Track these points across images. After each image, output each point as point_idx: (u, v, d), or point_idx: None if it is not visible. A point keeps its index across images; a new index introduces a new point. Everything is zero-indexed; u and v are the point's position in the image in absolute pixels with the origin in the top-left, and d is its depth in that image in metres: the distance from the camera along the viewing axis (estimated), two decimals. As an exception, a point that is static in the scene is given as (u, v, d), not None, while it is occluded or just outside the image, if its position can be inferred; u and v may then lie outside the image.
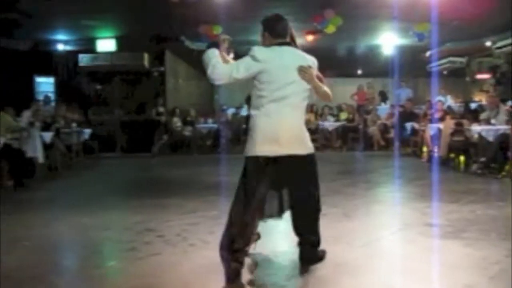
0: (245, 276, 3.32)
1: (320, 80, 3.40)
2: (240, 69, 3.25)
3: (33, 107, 9.79)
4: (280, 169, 3.29)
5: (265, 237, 3.96)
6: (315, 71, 3.36)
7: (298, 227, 3.46)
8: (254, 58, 3.24)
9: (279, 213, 3.66)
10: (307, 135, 3.43)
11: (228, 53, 3.51)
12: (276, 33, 3.37)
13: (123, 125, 13.75)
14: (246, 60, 3.27)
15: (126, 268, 3.75)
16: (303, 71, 3.26)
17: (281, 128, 3.23)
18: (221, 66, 3.25)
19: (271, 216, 3.66)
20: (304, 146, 3.35)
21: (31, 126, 8.74)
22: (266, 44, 3.38)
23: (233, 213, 3.28)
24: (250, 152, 3.29)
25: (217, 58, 3.27)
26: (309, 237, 3.44)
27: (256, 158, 3.25)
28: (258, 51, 3.26)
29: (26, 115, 9.30)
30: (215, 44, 3.38)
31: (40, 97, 12.88)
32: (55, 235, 4.75)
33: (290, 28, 3.43)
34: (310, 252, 3.47)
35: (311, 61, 3.40)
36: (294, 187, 3.41)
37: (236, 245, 3.20)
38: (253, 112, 3.33)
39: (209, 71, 3.24)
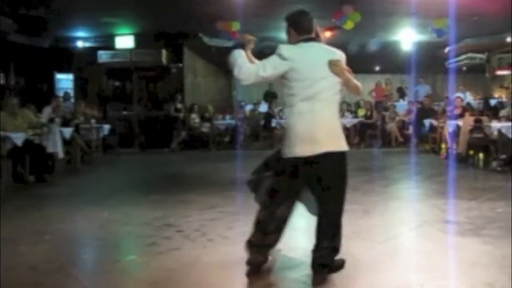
0: (267, 270, 3.39)
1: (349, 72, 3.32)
2: (267, 68, 3.20)
3: (53, 103, 9.94)
4: (316, 167, 3.20)
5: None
6: (343, 65, 3.28)
7: (319, 229, 3.31)
8: (281, 57, 3.19)
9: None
10: (341, 131, 3.33)
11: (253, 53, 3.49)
12: (302, 29, 3.31)
13: (141, 121, 13.87)
14: (273, 58, 3.22)
15: (146, 262, 3.80)
16: (333, 64, 3.18)
17: (316, 126, 3.18)
18: (247, 66, 3.25)
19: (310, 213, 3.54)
20: (339, 143, 3.25)
21: (51, 122, 8.86)
22: (292, 41, 3.34)
23: (270, 209, 3.32)
24: (288, 154, 3.22)
25: (243, 58, 3.28)
26: (328, 241, 3.26)
27: (294, 159, 3.20)
28: (284, 49, 3.21)
29: (47, 111, 9.45)
30: (240, 45, 3.41)
31: (60, 94, 13.05)
32: (75, 230, 4.84)
33: (315, 23, 3.36)
34: (326, 258, 3.25)
35: (339, 54, 3.32)
36: (325, 185, 3.25)
37: (268, 240, 3.28)
38: (286, 111, 3.30)
39: (236, 71, 3.24)
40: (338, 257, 3.36)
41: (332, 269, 3.29)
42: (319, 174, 3.22)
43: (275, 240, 3.39)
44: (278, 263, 3.62)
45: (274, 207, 3.31)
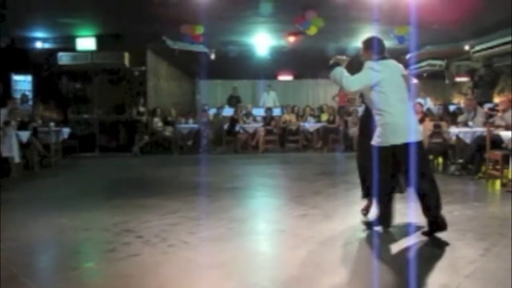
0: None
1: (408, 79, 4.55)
2: (364, 79, 4.31)
3: (9, 106, 9.62)
4: (399, 154, 4.26)
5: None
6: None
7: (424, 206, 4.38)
8: (374, 70, 4.28)
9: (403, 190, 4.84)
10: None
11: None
12: (381, 50, 4.48)
13: (103, 125, 13.62)
14: (367, 71, 4.31)
15: (104, 269, 3.72)
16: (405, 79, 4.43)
17: (403, 122, 4.26)
18: (351, 78, 4.29)
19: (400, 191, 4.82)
20: (416, 134, 4.35)
21: (7, 125, 8.59)
22: (372, 58, 4.40)
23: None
24: (383, 143, 4.30)
25: (346, 73, 4.30)
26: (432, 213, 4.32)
27: (387, 147, 4.28)
28: (374, 64, 4.31)
29: (2, 113, 9.13)
30: (337, 64, 4.41)
31: (18, 95, 12.68)
32: (31, 237, 4.68)
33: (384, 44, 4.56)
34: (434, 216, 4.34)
35: (402, 67, 4.53)
36: (409, 169, 4.22)
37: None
38: (380, 110, 4.33)
39: (344, 82, 4.28)
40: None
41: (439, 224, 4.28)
42: (403, 160, 4.26)
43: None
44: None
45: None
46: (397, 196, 4.73)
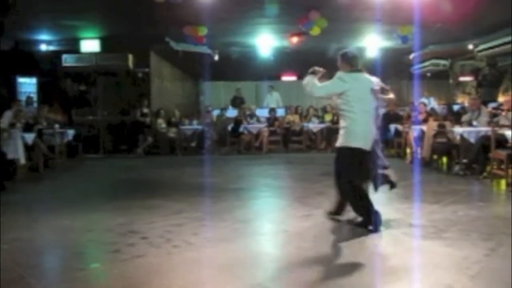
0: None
1: (385, 90, 5.18)
2: (330, 87, 4.79)
3: (14, 108, 9.66)
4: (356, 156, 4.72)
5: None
6: (379, 85, 5.02)
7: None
8: (342, 80, 4.72)
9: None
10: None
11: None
12: (354, 63, 4.86)
13: (107, 126, 13.65)
14: (336, 81, 4.74)
15: (109, 270, 3.73)
16: (373, 93, 4.84)
17: (369, 131, 4.77)
18: (319, 85, 4.78)
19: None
20: (370, 143, 4.82)
21: (12, 127, 8.62)
22: (345, 70, 4.81)
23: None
24: (353, 145, 4.71)
25: (316, 81, 4.79)
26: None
27: (359, 149, 4.70)
28: (343, 75, 4.74)
29: (7, 115, 9.18)
30: (313, 73, 4.86)
31: (23, 98, 12.72)
32: (36, 238, 4.70)
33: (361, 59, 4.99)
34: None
35: (375, 81, 5.00)
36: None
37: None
38: (347, 118, 4.76)
39: (311, 88, 4.76)
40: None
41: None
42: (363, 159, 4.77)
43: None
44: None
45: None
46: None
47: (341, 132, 4.84)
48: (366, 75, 4.92)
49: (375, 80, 5.00)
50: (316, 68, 4.95)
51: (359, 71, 4.86)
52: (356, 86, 4.72)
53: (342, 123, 4.85)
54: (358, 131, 4.70)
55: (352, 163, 4.73)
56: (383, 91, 5.09)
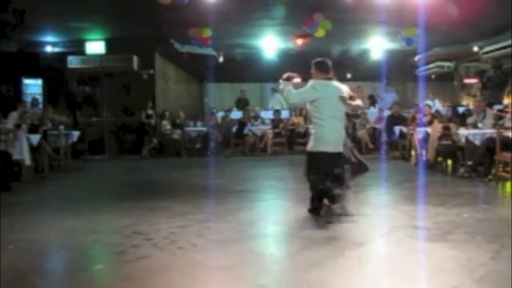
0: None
1: (352, 97, 5.38)
2: (304, 94, 5.25)
3: (20, 109, 9.70)
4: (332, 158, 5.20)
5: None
6: (347, 93, 5.31)
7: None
8: (313, 88, 5.19)
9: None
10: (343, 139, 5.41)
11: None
12: (325, 71, 5.30)
13: (112, 128, 13.68)
14: (308, 89, 5.22)
15: (113, 271, 3.74)
16: (342, 100, 5.21)
17: (336, 135, 5.23)
18: (293, 92, 5.25)
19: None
20: (341, 146, 5.29)
21: (18, 128, 8.66)
22: (317, 77, 5.27)
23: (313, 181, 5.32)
24: (320, 149, 5.21)
25: (291, 87, 5.24)
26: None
27: (325, 152, 5.19)
28: (315, 83, 5.21)
29: (13, 117, 9.22)
30: (288, 79, 5.32)
31: (28, 99, 12.77)
32: (41, 239, 4.72)
33: (332, 67, 5.36)
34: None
35: (345, 89, 5.34)
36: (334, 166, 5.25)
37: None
38: (315, 124, 5.31)
39: (286, 95, 5.27)
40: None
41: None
42: (333, 162, 5.21)
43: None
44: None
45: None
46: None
47: (311, 137, 5.34)
48: (336, 83, 5.32)
49: (344, 88, 5.36)
50: (291, 74, 5.33)
51: (329, 79, 5.26)
52: (326, 94, 5.14)
53: (312, 129, 5.44)
54: (326, 136, 5.16)
55: (320, 164, 5.19)
56: (351, 98, 5.40)
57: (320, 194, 5.33)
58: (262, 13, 10.33)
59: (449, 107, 14.48)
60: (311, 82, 5.20)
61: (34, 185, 8.23)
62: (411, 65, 16.75)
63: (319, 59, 5.38)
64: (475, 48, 14.22)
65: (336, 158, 5.21)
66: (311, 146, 5.28)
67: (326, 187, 5.22)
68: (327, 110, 5.13)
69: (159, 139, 13.18)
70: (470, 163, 8.19)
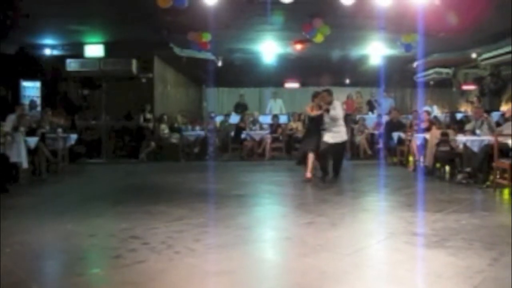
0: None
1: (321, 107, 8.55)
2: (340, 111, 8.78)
3: (18, 111, 9.67)
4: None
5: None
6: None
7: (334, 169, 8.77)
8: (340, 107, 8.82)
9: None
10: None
11: None
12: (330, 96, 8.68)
13: (110, 131, 13.67)
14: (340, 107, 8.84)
15: (110, 276, 3.71)
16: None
17: (339, 134, 8.58)
18: (340, 111, 8.80)
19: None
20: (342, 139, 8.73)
21: (16, 131, 8.63)
22: (332, 100, 8.58)
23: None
24: (329, 141, 8.41)
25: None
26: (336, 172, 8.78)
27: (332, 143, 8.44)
28: (338, 104, 8.83)
29: (10, 119, 9.19)
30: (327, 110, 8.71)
31: (26, 102, 12.76)
32: (37, 242, 4.69)
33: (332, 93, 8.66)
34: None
35: (338, 104, 8.81)
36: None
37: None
38: (328, 128, 8.52)
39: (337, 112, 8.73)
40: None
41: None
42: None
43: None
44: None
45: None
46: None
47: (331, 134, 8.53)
48: (337, 102, 8.77)
49: (338, 103, 8.77)
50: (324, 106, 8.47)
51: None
52: (339, 110, 8.64)
53: (332, 130, 8.53)
54: (338, 134, 8.62)
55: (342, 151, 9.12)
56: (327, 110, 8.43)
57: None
58: (262, 18, 10.35)
59: (447, 114, 14.51)
60: (338, 103, 8.81)
61: (31, 188, 8.21)
62: (410, 71, 16.80)
63: (329, 90, 8.77)
64: (474, 55, 14.28)
65: (343, 146, 8.93)
66: (329, 138, 8.46)
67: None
68: (340, 119, 8.57)
69: (157, 143, 13.18)
70: (468, 169, 8.19)
